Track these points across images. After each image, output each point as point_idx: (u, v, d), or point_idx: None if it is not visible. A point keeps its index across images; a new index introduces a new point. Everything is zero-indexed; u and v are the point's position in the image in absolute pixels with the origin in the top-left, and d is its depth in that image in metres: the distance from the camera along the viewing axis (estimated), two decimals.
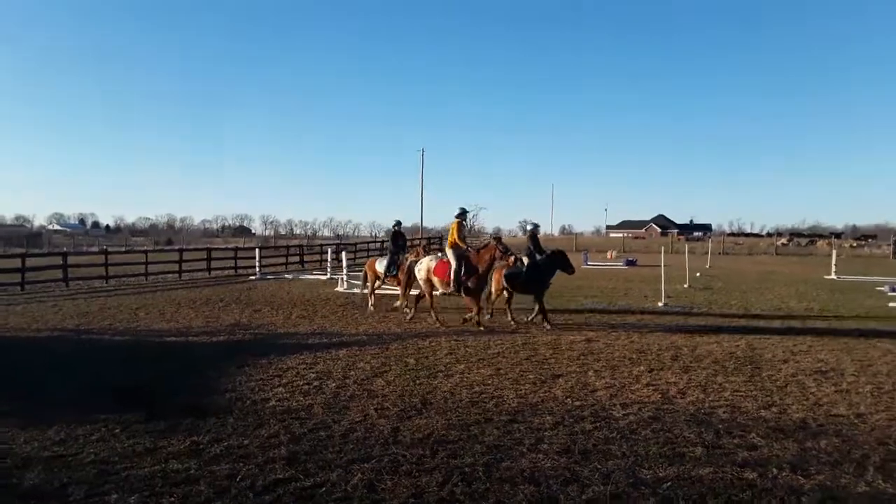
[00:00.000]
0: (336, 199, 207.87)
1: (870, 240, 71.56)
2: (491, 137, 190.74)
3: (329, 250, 27.37)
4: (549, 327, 11.93)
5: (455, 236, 12.18)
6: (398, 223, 15.95)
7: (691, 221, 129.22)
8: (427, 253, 14.56)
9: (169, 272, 25.04)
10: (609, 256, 43.02)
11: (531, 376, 8.08)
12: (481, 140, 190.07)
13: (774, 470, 4.89)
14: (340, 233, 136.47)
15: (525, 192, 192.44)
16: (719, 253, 51.55)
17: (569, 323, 12.78)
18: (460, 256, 11.94)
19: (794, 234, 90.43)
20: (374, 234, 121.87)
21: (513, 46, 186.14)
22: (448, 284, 12.06)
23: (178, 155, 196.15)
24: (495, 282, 12.84)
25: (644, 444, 5.48)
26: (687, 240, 70.76)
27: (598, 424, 6.07)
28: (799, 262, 41.39)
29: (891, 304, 16.45)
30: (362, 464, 5.01)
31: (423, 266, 12.71)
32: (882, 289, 20.70)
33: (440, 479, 4.70)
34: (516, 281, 12.56)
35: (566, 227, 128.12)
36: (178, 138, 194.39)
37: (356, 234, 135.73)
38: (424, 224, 70.01)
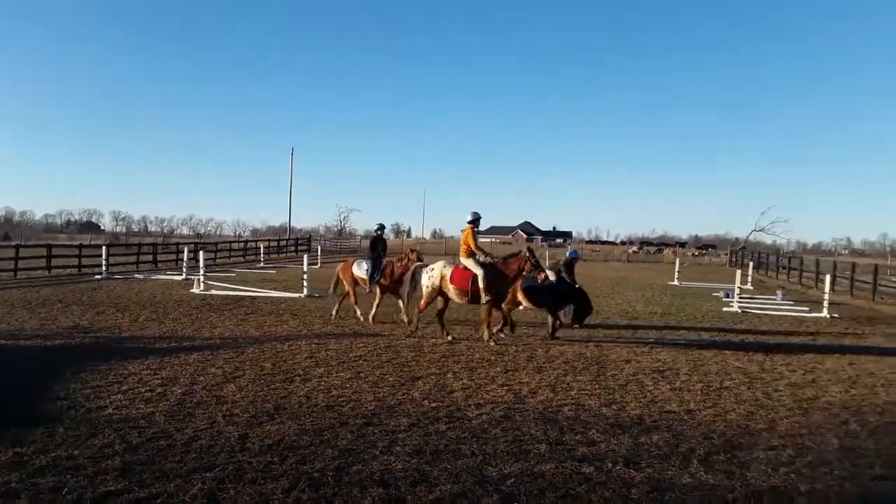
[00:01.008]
0: (197, 195, 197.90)
1: (710, 249, 78.45)
2: (363, 139, 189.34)
3: (186, 249, 25.98)
4: (549, 339, 11.70)
5: (472, 243, 11.25)
6: (381, 227, 14.32)
7: (554, 228, 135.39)
8: (418, 260, 12.82)
9: (3, 270, 22.69)
10: None
11: (391, 379, 8.09)
12: (353, 141, 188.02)
13: (610, 464, 5.20)
14: (201, 231, 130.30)
15: (398, 195, 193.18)
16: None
17: (432, 329, 12.91)
18: (485, 265, 11.16)
19: (645, 242, 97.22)
20: (238, 233, 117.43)
21: (383, 49, 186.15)
22: (465, 294, 11.12)
23: (15, 144, 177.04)
24: (512, 293, 12.10)
25: (493, 443, 5.64)
26: (549, 246, 74.02)
27: (451, 425, 6.17)
28: (648, 268, 44.52)
29: (724, 309, 18.05)
30: (204, 473, 4.77)
31: (436, 273, 11.47)
32: (717, 294, 22.72)
33: (286, 486, 4.57)
34: (537, 295, 12.02)
35: (437, 230, 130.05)
36: (13, 124, 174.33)
37: (219, 233, 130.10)
38: (294, 224, 68.44)
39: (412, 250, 13.68)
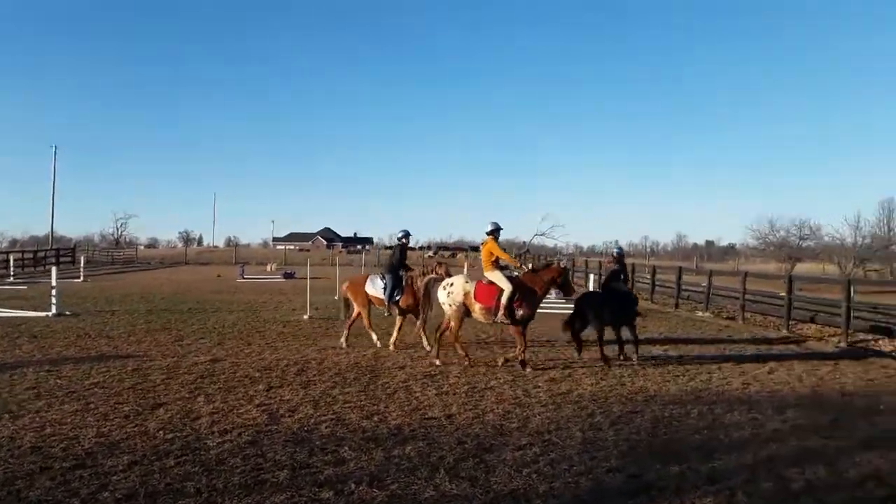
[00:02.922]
0: None
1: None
2: (139, 136, 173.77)
3: None
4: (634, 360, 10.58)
5: (501, 253, 10.25)
6: (406, 234, 12.06)
7: (355, 234, 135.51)
8: (447, 275, 11.05)
9: None
10: (269, 269, 42.41)
11: (126, 409, 7.09)
12: (128, 140, 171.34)
13: (353, 485, 4.85)
14: None
15: (185, 201, 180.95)
16: (375, 264, 54.53)
17: (198, 346, 11.86)
18: (513, 279, 10.05)
19: (441, 247, 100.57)
20: None
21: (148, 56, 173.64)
22: (490, 312, 9.89)
23: None
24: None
25: (227, 476, 5.03)
26: (349, 252, 73.73)
27: (183, 459, 5.44)
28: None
29: None
30: None
31: (457, 289, 10.15)
32: None
33: None
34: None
35: (232, 238, 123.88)
36: None
37: None
38: (59, 232, 60.96)
39: (440, 264, 12.12)
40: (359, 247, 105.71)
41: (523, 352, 9.86)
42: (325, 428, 6.45)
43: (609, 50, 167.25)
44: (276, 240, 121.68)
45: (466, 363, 9.93)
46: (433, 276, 11.07)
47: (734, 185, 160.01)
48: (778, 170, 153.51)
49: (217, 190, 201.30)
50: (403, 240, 11.99)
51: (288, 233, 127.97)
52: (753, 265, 54.68)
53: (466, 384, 8.66)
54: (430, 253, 73.75)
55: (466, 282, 10.23)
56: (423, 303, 10.78)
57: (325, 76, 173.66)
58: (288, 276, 34.10)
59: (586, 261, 34.93)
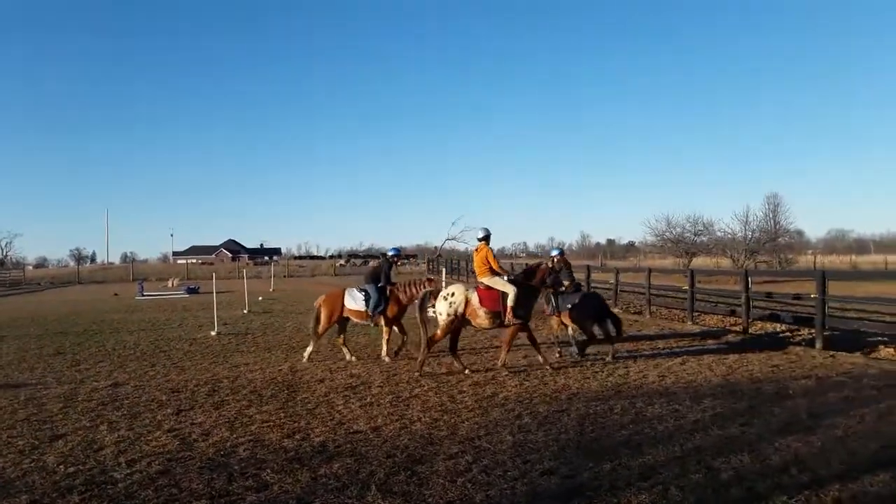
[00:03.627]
0: None
1: (411, 259, 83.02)
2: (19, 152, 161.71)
3: None
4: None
5: (494, 262, 10.15)
6: (397, 251, 12.63)
7: (262, 245, 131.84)
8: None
9: None
10: (170, 285, 40.44)
11: (21, 443, 6.43)
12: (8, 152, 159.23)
13: None
14: None
15: (76, 217, 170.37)
16: (284, 276, 53.26)
17: (97, 370, 11.02)
18: (516, 282, 10.10)
19: (353, 255, 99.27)
20: None
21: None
22: (495, 317, 9.84)
23: None
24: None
25: None
26: (255, 264, 71.62)
27: (88, 495, 4.94)
28: (354, 281, 45.04)
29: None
30: None
31: (458, 298, 9.91)
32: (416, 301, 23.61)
33: None
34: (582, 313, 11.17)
35: (128, 254, 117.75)
36: None
37: None
38: None
39: (430, 279, 11.94)
40: (266, 258, 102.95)
41: (506, 353, 10.21)
42: (244, 451, 6.05)
43: (505, 48, 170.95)
44: (176, 254, 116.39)
45: (466, 372, 9.86)
46: (428, 289, 11.07)
47: (632, 186, 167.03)
48: (672, 169, 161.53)
49: (109, 204, 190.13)
50: (394, 257, 12.30)
51: (189, 246, 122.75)
52: (653, 261, 57.11)
53: (390, 394, 8.43)
54: (341, 262, 72.57)
55: (468, 290, 10.12)
56: (421, 318, 10.33)
57: (216, 75, 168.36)
58: (192, 291, 32.63)
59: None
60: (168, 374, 10.21)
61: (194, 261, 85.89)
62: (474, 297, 9.94)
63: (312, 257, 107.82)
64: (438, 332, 10.09)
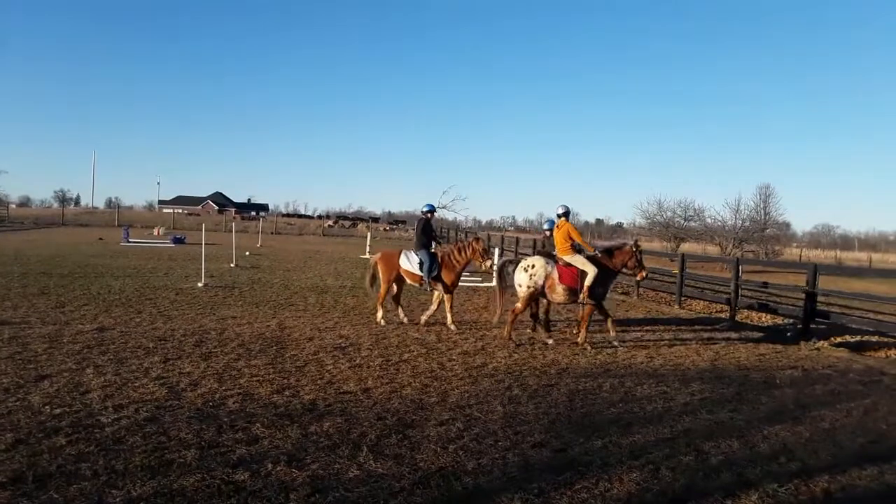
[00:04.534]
0: None
1: (400, 224, 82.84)
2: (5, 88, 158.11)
3: None
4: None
5: (578, 237, 10.19)
6: (432, 208, 11.68)
7: (249, 200, 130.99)
8: (484, 251, 11.08)
9: None
10: (156, 233, 40.03)
11: (6, 381, 6.32)
12: None
13: (269, 465, 4.49)
14: None
15: (61, 157, 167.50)
16: (272, 232, 52.87)
17: (82, 313, 10.87)
18: (596, 261, 10.10)
19: (341, 217, 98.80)
20: None
21: None
22: (572, 294, 9.93)
23: None
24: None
25: (127, 456, 4.54)
26: (242, 218, 71.13)
27: (75, 437, 4.87)
28: (342, 242, 45.02)
29: (409, 282, 18.57)
30: None
31: (539, 270, 9.92)
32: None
33: None
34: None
35: (113, 199, 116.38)
36: None
37: None
38: None
39: (478, 239, 11.46)
40: (253, 213, 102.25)
41: (587, 330, 10.19)
42: (233, 403, 6.00)
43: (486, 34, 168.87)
44: (162, 202, 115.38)
45: (550, 341, 10.07)
46: (507, 258, 10.71)
47: (625, 168, 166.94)
48: (665, 156, 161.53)
49: (97, 146, 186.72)
50: (428, 214, 11.59)
51: (175, 196, 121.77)
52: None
53: (380, 357, 8.39)
54: (330, 223, 72.18)
55: (547, 264, 10.08)
56: (497, 285, 10.48)
57: (212, 26, 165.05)
58: (178, 241, 32.27)
59: (489, 235, 35.35)
60: (154, 321, 10.10)
61: (180, 211, 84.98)
62: (554, 272, 10.00)
63: (300, 216, 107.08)
64: (520, 304, 10.11)
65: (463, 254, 11.06)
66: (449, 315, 10.96)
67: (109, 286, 14.11)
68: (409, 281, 11.33)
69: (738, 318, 14.61)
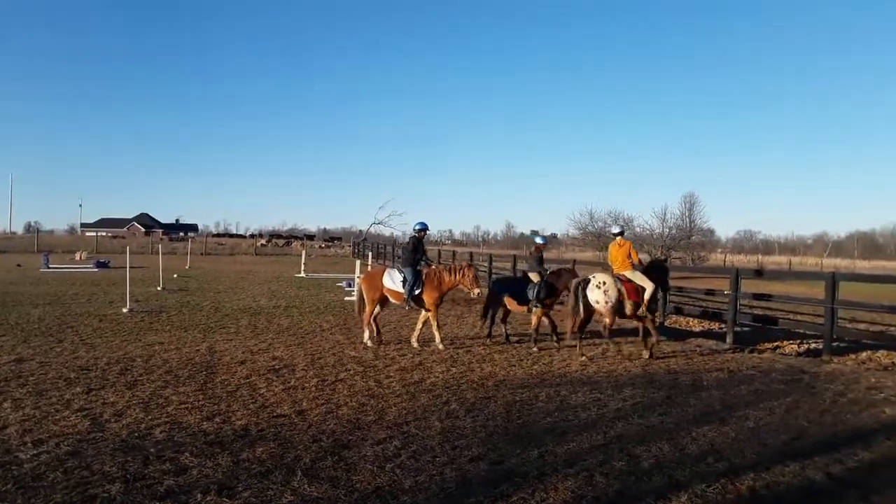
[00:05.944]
0: None
1: (336, 241, 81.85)
2: None
3: None
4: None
5: (637, 256, 10.98)
6: (424, 227, 11.37)
7: (177, 221, 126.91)
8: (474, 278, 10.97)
9: None
10: (78, 258, 38.31)
11: None
12: None
13: (199, 495, 4.34)
14: None
15: None
16: (202, 253, 51.43)
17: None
18: (648, 277, 10.72)
19: (274, 235, 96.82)
20: None
21: None
22: (635, 308, 10.46)
23: None
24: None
25: (47, 493, 4.30)
26: (171, 240, 68.98)
27: None
28: (276, 261, 44.20)
29: (346, 298, 18.42)
30: None
31: (611, 287, 10.27)
32: (341, 284, 23.29)
33: None
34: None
35: (33, 224, 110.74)
36: None
37: None
38: None
39: (470, 265, 11.25)
40: (182, 234, 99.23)
41: (658, 341, 10.91)
42: (160, 433, 5.78)
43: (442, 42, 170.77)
44: (84, 225, 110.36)
45: (583, 358, 10.12)
46: (579, 279, 10.72)
47: (556, 179, 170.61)
48: (594, 166, 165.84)
49: (14, 169, 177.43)
50: (420, 232, 11.37)
51: (99, 218, 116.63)
52: (574, 253, 58.40)
53: (315, 377, 8.26)
54: (263, 242, 70.71)
55: (615, 281, 10.44)
56: (573, 305, 10.45)
57: (131, 36, 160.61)
58: (101, 265, 31.01)
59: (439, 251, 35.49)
60: (76, 350, 9.66)
61: (104, 234, 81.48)
62: (623, 288, 10.42)
63: (232, 235, 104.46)
64: (607, 319, 10.43)
65: (452, 276, 10.88)
66: (437, 334, 10.79)
67: (28, 315, 13.43)
68: (392, 300, 11.16)
69: (666, 322, 15.06)
